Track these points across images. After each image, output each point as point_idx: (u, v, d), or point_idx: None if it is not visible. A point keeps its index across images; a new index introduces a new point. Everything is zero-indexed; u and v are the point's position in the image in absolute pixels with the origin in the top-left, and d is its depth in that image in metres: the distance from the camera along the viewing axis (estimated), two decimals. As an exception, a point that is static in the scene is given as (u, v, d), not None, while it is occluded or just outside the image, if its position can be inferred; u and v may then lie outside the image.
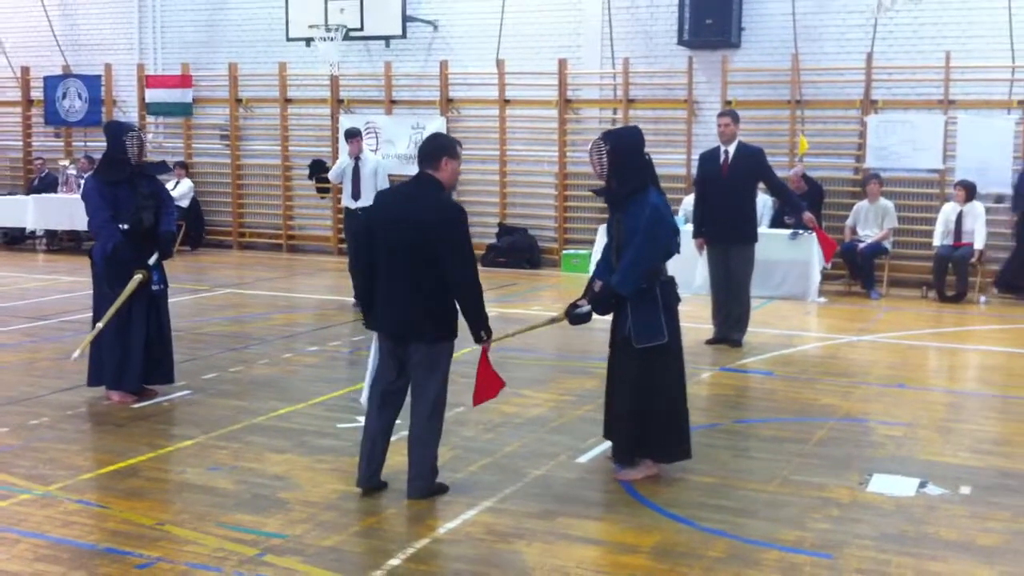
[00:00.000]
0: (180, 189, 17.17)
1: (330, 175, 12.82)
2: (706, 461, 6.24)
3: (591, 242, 14.50)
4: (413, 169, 5.97)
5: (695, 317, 9.97)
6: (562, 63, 15.75)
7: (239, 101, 18.07)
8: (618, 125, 14.77)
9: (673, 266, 6.01)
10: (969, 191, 13.01)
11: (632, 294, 5.76)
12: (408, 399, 5.66)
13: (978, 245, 12.86)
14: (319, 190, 16.43)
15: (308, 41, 16.64)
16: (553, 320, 6.56)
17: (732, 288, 9.91)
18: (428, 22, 16.72)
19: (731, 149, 9.92)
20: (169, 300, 7.92)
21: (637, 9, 15.56)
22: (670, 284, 5.94)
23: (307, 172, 15.51)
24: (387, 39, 16.78)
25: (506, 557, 4.88)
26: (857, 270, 13.45)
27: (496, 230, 16.09)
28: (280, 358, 9.23)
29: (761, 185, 10.58)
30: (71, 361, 7.59)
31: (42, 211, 17.23)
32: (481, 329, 5.52)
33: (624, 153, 5.90)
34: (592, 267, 6.62)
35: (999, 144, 13.49)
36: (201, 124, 18.65)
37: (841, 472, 6.13)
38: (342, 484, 5.82)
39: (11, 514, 5.38)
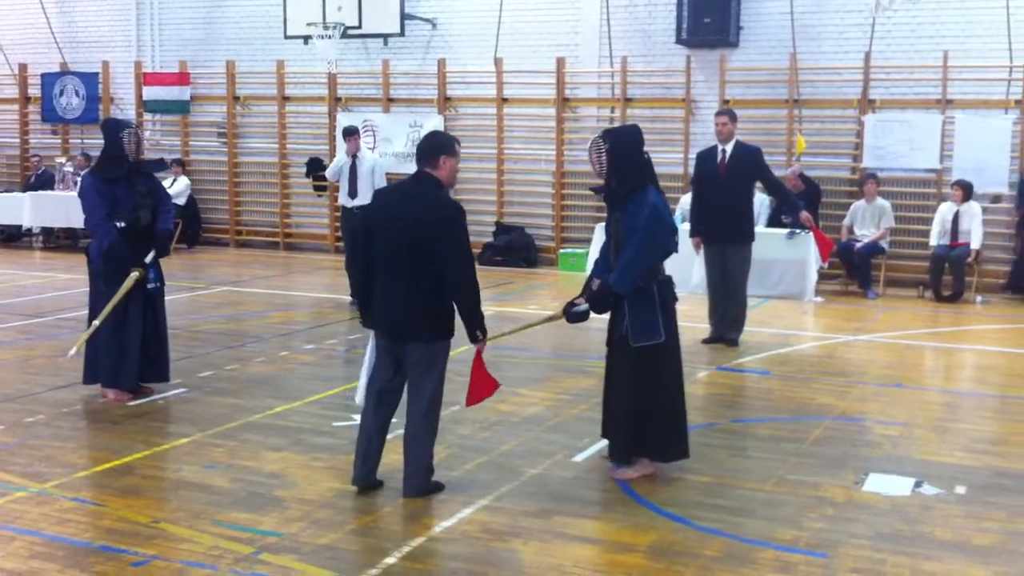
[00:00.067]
0: (177, 187, 17.15)
1: (327, 173, 12.80)
2: (702, 460, 6.24)
3: (588, 241, 14.50)
4: (410, 167, 5.97)
5: (692, 316, 9.97)
6: (560, 62, 15.75)
7: (237, 99, 18.05)
8: (616, 124, 14.78)
9: (670, 265, 6.01)
10: (966, 191, 13.02)
11: (629, 293, 5.76)
12: (404, 397, 5.66)
13: (975, 245, 12.87)
14: (316, 188, 16.45)
15: (306, 39, 16.62)
16: (551, 318, 6.56)
17: (729, 287, 9.92)
18: (426, 20, 16.71)
19: (728, 148, 9.93)
20: (166, 298, 7.92)
21: (635, 8, 15.56)
22: (667, 283, 5.94)
23: (304, 170, 15.55)
24: (385, 37, 16.77)
25: (502, 556, 4.88)
26: (854, 270, 13.46)
27: (493, 229, 16.08)
28: (276, 356, 9.22)
29: (758, 184, 10.58)
30: (67, 359, 7.58)
31: (39, 208, 17.21)
32: (477, 329, 5.51)
33: (623, 152, 5.89)
34: (589, 266, 6.61)
35: (996, 144, 13.50)
36: (198, 122, 18.64)
37: (837, 471, 6.13)
38: (338, 482, 5.82)
39: (7, 512, 5.38)
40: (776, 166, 11.74)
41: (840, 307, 12.52)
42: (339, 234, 15.88)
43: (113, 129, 7.64)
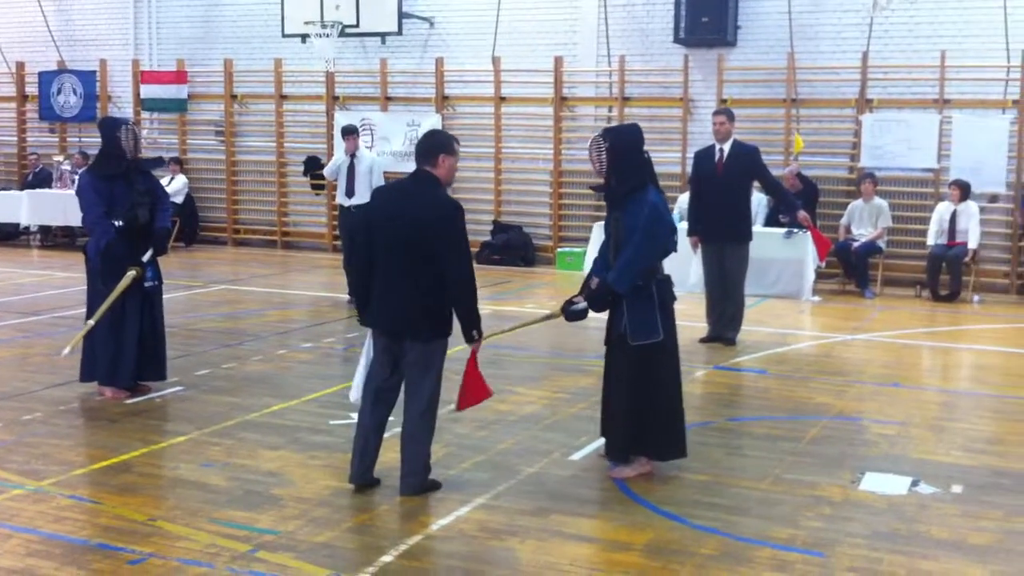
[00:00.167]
0: (175, 185, 17.14)
1: (325, 172, 12.80)
2: (700, 459, 6.25)
3: (586, 240, 14.50)
4: (408, 166, 5.98)
5: (689, 315, 9.97)
6: (558, 60, 15.75)
7: (234, 97, 18.04)
8: (613, 123, 14.79)
9: (667, 264, 6.01)
10: (963, 190, 13.04)
11: (628, 292, 5.76)
12: (401, 396, 5.66)
13: (972, 245, 12.88)
14: (314, 187, 16.44)
15: (304, 37, 16.61)
16: (549, 316, 6.56)
17: (726, 286, 9.92)
18: (424, 19, 16.71)
19: (726, 147, 9.93)
20: (163, 296, 7.91)
21: (633, 7, 15.56)
22: (666, 282, 5.95)
23: (302, 169, 15.55)
24: (383, 36, 16.76)
25: (499, 554, 4.88)
26: (851, 269, 13.47)
27: (491, 227, 16.08)
28: (274, 354, 9.22)
29: (756, 184, 10.58)
30: (61, 358, 7.57)
31: (36, 207, 17.20)
32: (473, 328, 5.51)
33: (623, 151, 5.90)
34: (587, 264, 6.62)
35: (994, 144, 13.50)
36: (196, 120, 18.62)
37: (834, 470, 6.14)
38: (335, 480, 5.82)
39: (3, 509, 5.37)
40: (774, 165, 11.74)
41: (837, 306, 12.53)
42: (337, 233, 15.87)
43: (110, 127, 7.63)
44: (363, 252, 5.60)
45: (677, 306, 6.05)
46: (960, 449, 6.66)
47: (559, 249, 15.74)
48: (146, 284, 7.58)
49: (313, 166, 15.18)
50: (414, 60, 16.94)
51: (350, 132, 12.09)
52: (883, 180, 13.88)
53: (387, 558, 4.81)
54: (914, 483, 5.92)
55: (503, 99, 16.20)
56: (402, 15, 16.40)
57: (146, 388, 7.75)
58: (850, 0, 14.23)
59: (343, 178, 11.97)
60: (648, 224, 5.75)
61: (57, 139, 19.41)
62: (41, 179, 18.04)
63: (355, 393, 5.77)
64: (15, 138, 19.78)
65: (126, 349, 7.54)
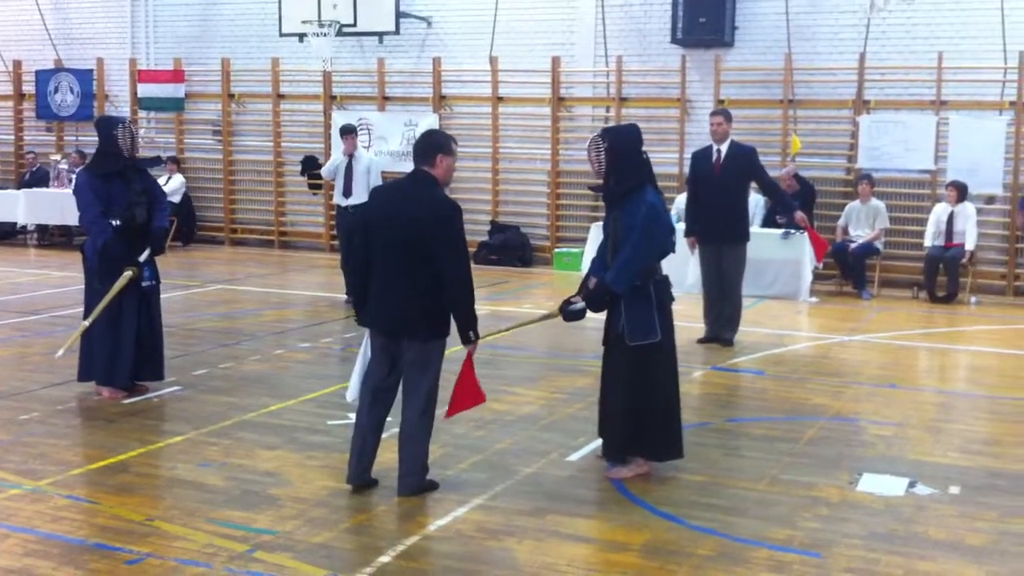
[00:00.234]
0: (172, 184, 17.12)
1: (323, 172, 12.79)
2: (697, 460, 6.25)
3: (583, 240, 14.49)
4: (406, 166, 5.98)
5: (687, 316, 9.96)
6: (555, 60, 15.75)
7: (231, 96, 18.03)
8: (611, 123, 14.79)
9: (665, 265, 6.02)
10: (961, 192, 13.06)
11: (626, 292, 5.77)
12: (399, 396, 5.66)
13: (969, 246, 12.89)
14: (311, 186, 16.40)
15: (301, 37, 16.58)
16: (547, 316, 6.56)
17: (724, 287, 9.93)
18: (422, 18, 16.71)
19: (723, 148, 9.94)
20: (160, 296, 7.90)
21: (631, 7, 15.56)
22: (664, 283, 5.95)
23: (299, 168, 15.53)
24: (380, 35, 16.75)
25: (496, 554, 4.89)
26: (848, 270, 13.48)
27: (488, 227, 16.08)
28: (271, 354, 9.21)
29: (753, 184, 10.59)
30: (56, 358, 7.56)
31: (33, 206, 17.18)
32: (470, 329, 5.50)
33: (622, 151, 5.90)
34: (585, 264, 6.62)
35: (991, 145, 13.51)
36: (193, 119, 18.60)
37: (831, 471, 6.15)
38: (332, 481, 5.82)
39: (1, 509, 5.37)
40: (771, 166, 11.75)
41: (835, 307, 12.54)
42: (334, 233, 15.85)
43: (107, 125, 7.63)
44: (361, 252, 5.60)
45: (675, 307, 6.06)
46: (957, 450, 6.67)
47: (556, 249, 15.74)
48: (143, 284, 7.57)
49: (310, 166, 15.15)
50: (411, 60, 16.93)
51: (349, 132, 12.07)
52: (880, 181, 13.89)
53: (385, 558, 4.81)
54: (911, 484, 5.92)
55: (500, 99, 16.20)
56: (399, 15, 16.39)
57: (143, 388, 7.74)
58: (847, 1, 14.22)
59: (341, 178, 11.96)
60: (646, 224, 5.76)
61: (54, 138, 19.38)
62: (38, 178, 18.02)
63: (352, 393, 5.78)
64: (12, 137, 19.74)
65: (123, 349, 7.53)
